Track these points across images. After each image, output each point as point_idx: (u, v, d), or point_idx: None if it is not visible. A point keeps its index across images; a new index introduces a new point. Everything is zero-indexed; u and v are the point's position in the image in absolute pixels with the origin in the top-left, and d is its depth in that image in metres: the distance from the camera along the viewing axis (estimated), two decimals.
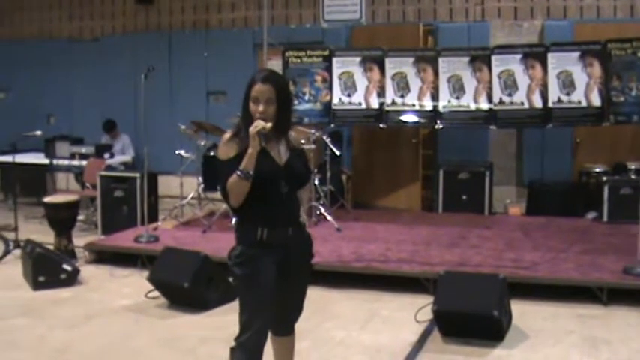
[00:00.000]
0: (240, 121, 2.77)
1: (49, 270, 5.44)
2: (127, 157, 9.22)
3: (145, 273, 5.31)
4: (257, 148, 2.65)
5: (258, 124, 2.65)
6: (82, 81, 10.27)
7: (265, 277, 2.75)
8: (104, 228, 7.18)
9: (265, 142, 2.68)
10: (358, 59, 7.56)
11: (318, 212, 7.08)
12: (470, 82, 7.25)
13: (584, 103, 6.89)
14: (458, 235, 6.50)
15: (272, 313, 2.79)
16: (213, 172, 6.95)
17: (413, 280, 5.26)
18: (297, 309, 2.99)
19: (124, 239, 6.41)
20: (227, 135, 2.77)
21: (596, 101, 6.86)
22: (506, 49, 7.31)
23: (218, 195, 7.77)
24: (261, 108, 2.69)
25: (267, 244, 2.75)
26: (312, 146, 6.89)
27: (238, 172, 2.65)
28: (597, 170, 7.53)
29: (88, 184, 8.06)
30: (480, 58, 7.23)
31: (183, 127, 7.39)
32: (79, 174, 8.78)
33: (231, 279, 4.39)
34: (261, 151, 2.70)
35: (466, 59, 7.28)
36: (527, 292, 4.96)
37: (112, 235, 6.70)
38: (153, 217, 7.14)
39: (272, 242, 2.75)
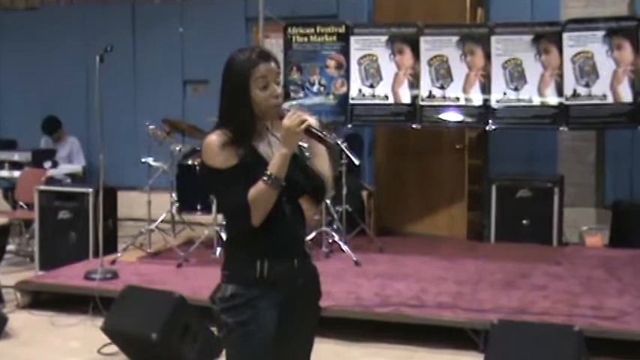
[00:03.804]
0: (232, 119, 2.77)
1: None
2: (76, 167, 9.29)
3: (99, 321, 5.32)
4: (295, 147, 2.74)
5: (303, 117, 2.70)
6: (14, 64, 10.39)
7: (266, 328, 2.77)
8: (43, 261, 7.21)
9: (319, 135, 2.74)
10: (384, 38, 7.64)
11: (330, 240, 7.11)
12: (533, 69, 7.31)
13: None
14: (517, 273, 6.50)
15: None
16: (192, 187, 7.00)
17: (456, 332, 5.26)
18: None
19: (71, 276, 6.44)
20: (216, 137, 2.76)
21: None
22: (583, 24, 7.36)
23: (197, 217, 7.98)
24: (279, 89, 2.78)
25: (268, 282, 2.78)
26: None
27: (265, 179, 2.68)
28: None
29: (21, 203, 8.12)
30: (548, 37, 7.29)
31: (151, 126, 7.44)
32: (8, 189, 8.86)
33: (215, 329, 4.42)
34: (253, 153, 2.76)
35: (528, 38, 7.33)
36: (612, 350, 4.95)
37: (53, 270, 6.73)
38: (110, 246, 7.17)
39: (275, 278, 2.78)
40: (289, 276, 2.82)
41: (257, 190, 2.69)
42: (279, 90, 2.78)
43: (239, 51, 2.83)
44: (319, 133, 2.75)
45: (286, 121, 2.70)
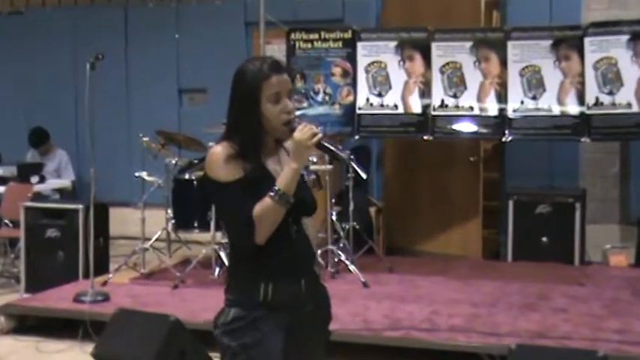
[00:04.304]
0: (240, 132, 2.79)
1: None
2: (65, 182, 9.32)
3: (90, 347, 5.32)
4: (306, 162, 2.77)
5: (314, 130, 2.73)
6: None
7: (270, 352, 2.78)
8: (29, 283, 7.22)
9: (329, 150, 2.79)
10: (393, 44, 7.67)
11: (336, 260, 7.12)
12: (552, 76, 7.33)
13: None
14: (536, 294, 6.50)
15: None
16: (189, 202, 7.02)
17: (471, 358, 5.26)
18: None
19: (59, 299, 6.45)
20: (221, 149, 2.77)
21: None
22: (606, 27, 7.37)
23: (195, 235, 7.96)
24: (291, 105, 2.80)
25: (273, 305, 2.79)
26: (328, 167, 6.96)
27: (272, 195, 2.70)
28: None
29: (6, 220, 8.15)
30: (568, 42, 7.31)
31: (145, 138, 7.46)
32: None
33: (214, 355, 4.43)
34: (260, 169, 2.78)
35: (547, 43, 7.36)
36: None
37: (40, 293, 6.74)
38: (102, 266, 7.17)
39: (280, 301, 2.80)
40: (296, 298, 2.83)
41: (263, 206, 2.70)
42: (291, 105, 2.80)
43: (249, 60, 2.86)
44: (331, 147, 2.78)
45: (297, 134, 2.72)
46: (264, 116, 2.77)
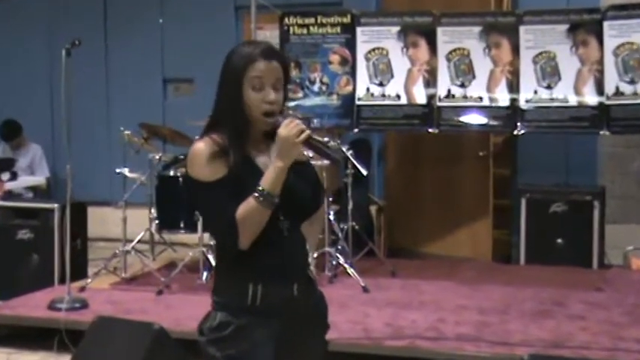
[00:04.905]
0: (224, 121, 2.81)
1: None
2: (39, 179, 9.32)
3: (66, 358, 5.34)
4: (292, 160, 2.73)
5: (301, 126, 2.72)
6: None
7: None
8: (0, 289, 7.19)
9: (319, 147, 2.77)
10: (395, 29, 7.69)
11: (334, 262, 7.12)
12: (569, 64, 7.34)
13: None
14: (550, 300, 6.50)
15: None
16: (174, 201, 7.01)
17: None
18: None
19: (33, 306, 6.44)
20: (204, 146, 2.77)
21: None
22: (627, 10, 7.37)
23: (181, 236, 7.95)
24: (273, 95, 2.78)
25: (262, 310, 2.80)
26: (325, 162, 6.95)
27: (257, 195, 2.70)
28: None
29: None
30: (586, 26, 7.32)
31: (127, 132, 7.47)
32: None
33: None
34: (248, 164, 2.78)
35: (563, 28, 7.37)
36: None
37: (12, 299, 6.71)
38: (79, 270, 7.18)
39: (270, 306, 2.80)
40: (287, 304, 2.83)
41: (247, 207, 2.71)
42: (273, 96, 2.78)
43: (243, 43, 2.91)
44: (321, 146, 2.77)
45: (282, 131, 2.71)
46: (246, 104, 2.77)
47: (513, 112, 7.44)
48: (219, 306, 2.83)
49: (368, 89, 7.71)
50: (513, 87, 7.45)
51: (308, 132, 2.72)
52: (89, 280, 7.05)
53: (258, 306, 2.78)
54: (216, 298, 2.85)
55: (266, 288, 2.79)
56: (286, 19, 7.89)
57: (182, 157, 7.27)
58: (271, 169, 2.72)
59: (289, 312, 2.84)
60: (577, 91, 7.33)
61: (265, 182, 2.71)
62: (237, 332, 2.77)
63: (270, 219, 2.75)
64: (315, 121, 7.50)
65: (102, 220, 8.91)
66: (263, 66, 2.76)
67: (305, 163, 2.93)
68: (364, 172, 7.33)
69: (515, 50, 7.46)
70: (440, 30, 7.59)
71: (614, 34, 7.26)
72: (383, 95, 7.68)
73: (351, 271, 6.98)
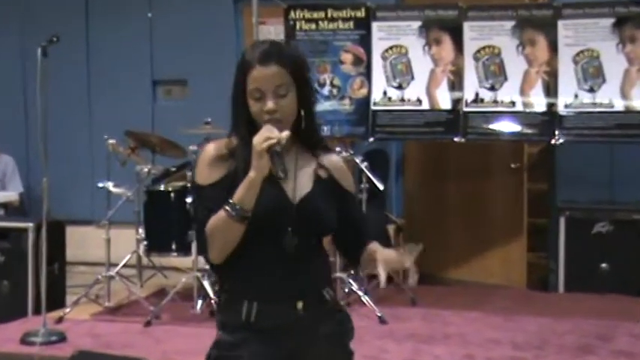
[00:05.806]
0: (234, 126, 2.90)
1: None
2: (11, 194, 9.34)
3: None
4: (264, 171, 2.75)
5: (270, 134, 2.74)
6: None
7: None
8: None
9: (280, 163, 2.77)
10: (416, 25, 7.70)
11: (346, 290, 7.12)
12: (614, 63, 7.34)
13: None
14: (594, 334, 6.48)
15: None
16: (165, 220, 7.03)
17: None
18: None
19: (3, 339, 6.44)
20: (212, 146, 2.90)
21: None
22: None
23: (172, 260, 7.92)
24: (270, 105, 2.81)
25: (259, 328, 2.83)
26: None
27: (227, 208, 2.74)
28: None
29: None
30: (634, 20, 7.32)
31: (111, 141, 7.48)
32: None
33: None
34: (247, 172, 2.79)
35: (608, 22, 7.36)
36: None
37: None
38: (56, 299, 7.20)
39: (268, 325, 2.83)
40: (292, 324, 2.86)
41: (216, 219, 2.77)
42: (272, 105, 2.80)
43: (253, 44, 2.97)
44: (276, 159, 2.76)
45: (254, 138, 2.75)
46: (252, 112, 2.84)
47: (550, 118, 7.43)
48: (219, 324, 2.92)
49: (385, 93, 7.72)
50: (550, 90, 7.43)
51: (272, 141, 2.73)
52: (67, 310, 7.06)
53: (253, 323, 2.83)
54: (217, 317, 2.96)
55: (262, 306, 2.84)
56: (292, 13, 7.89)
57: (174, 169, 7.29)
58: (245, 181, 2.76)
59: (296, 333, 2.87)
60: (624, 95, 7.32)
61: (236, 194, 2.76)
62: (229, 350, 2.85)
63: (277, 232, 2.82)
64: (324, 129, 7.50)
65: (82, 242, 8.92)
66: (258, 74, 2.81)
67: (328, 180, 2.97)
68: (380, 186, 7.35)
69: (553, 48, 7.45)
70: (467, 25, 7.60)
71: None
72: (402, 99, 7.69)
73: (365, 299, 6.98)
